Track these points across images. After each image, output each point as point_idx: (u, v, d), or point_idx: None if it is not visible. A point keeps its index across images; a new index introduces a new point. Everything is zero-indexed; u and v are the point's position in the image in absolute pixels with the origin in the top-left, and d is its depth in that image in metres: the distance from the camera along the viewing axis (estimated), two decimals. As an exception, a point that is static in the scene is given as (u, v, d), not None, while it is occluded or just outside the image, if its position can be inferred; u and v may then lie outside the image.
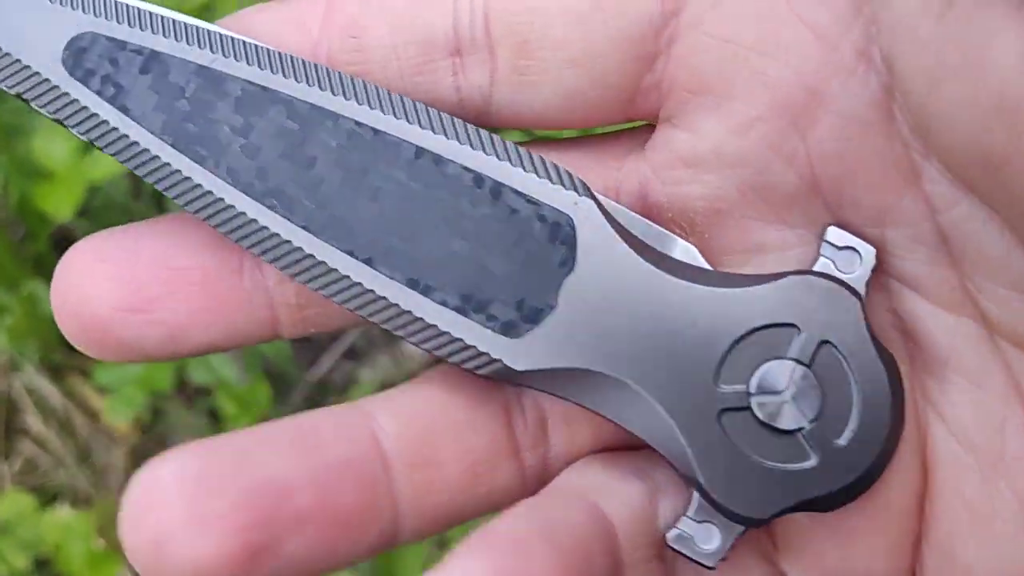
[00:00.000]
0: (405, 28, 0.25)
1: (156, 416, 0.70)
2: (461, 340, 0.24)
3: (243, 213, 0.24)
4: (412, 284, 0.24)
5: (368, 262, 0.24)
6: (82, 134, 0.25)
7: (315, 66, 0.25)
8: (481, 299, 0.24)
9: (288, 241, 0.24)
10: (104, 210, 0.68)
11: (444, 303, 0.24)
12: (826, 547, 0.25)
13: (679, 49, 0.25)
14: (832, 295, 0.24)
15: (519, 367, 0.24)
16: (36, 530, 0.66)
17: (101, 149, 0.25)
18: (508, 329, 0.24)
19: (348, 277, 0.24)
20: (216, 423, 0.68)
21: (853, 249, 0.24)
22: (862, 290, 0.24)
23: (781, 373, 0.24)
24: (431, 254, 0.24)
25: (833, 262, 0.24)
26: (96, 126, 0.24)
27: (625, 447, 0.27)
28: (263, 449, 0.24)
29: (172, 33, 0.25)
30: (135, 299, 0.25)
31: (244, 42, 0.25)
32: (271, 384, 0.67)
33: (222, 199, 0.24)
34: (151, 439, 0.70)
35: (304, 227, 0.24)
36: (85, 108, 0.24)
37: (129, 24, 0.25)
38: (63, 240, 0.70)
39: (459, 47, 0.25)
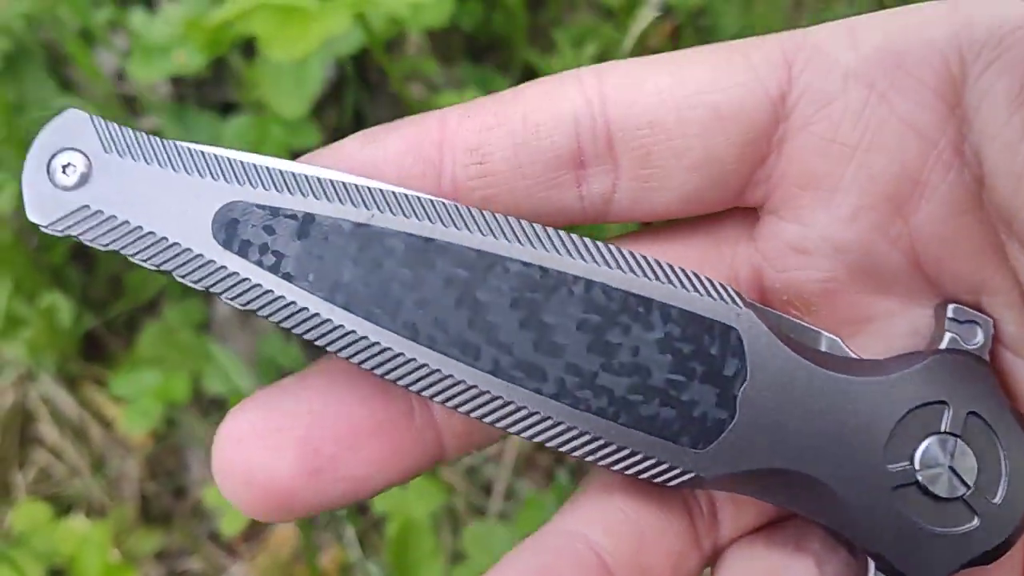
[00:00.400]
0: (529, 148, 0.26)
1: (170, 426, 0.70)
2: (653, 458, 0.25)
3: (425, 365, 0.24)
4: (601, 413, 0.25)
5: (556, 397, 0.25)
6: (241, 305, 0.24)
7: (470, 210, 0.25)
8: (667, 418, 0.25)
9: (474, 386, 0.25)
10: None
11: (634, 426, 0.25)
12: None
13: (789, 148, 0.26)
14: (970, 369, 0.26)
15: (708, 476, 0.25)
16: (51, 540, 0.66)
17: (263, 317, 0.24)
18: (696, 442, 0.25)
19: (538, 413, 0.25)
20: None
21: (973, 322, 0.26)
22: (986, 358, 0.26)
23: (939, 447, 0.25)
24: (616, 381, 0.25)
25: (959, 336, 0.26)
26: (259, 296, 0.24)
27: (779, 521, 0.28)
28: None
29: (323, 194, 0.24)
30: (316, 461, 0.25)
31: (395, 193, 0.25)
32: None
33: (402, 354, 0.24)
34: (165, 449, 0.70)
35: (491, 372, 0.25)
36: (246, 280, 0.24)
37: (277, 189, 0.24)
38: (80, 252, 0.70)
39: (583, 160, 0.26)
